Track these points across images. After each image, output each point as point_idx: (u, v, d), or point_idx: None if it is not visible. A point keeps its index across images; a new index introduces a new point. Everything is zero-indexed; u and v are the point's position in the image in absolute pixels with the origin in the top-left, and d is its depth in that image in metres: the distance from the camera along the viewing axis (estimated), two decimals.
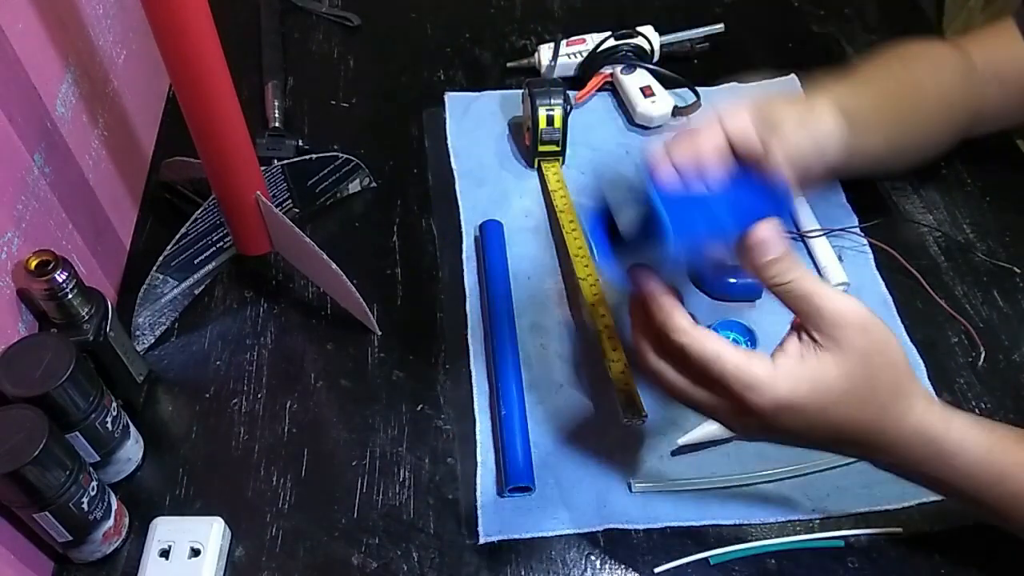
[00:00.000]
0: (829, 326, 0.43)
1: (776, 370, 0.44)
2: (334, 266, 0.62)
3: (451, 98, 0.84)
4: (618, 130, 0.82)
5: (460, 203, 0.75)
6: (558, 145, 0.75)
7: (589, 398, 0.63)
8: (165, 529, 0.54)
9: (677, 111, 0.82)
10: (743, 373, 0.43)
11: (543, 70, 0.85)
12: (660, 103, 0.81)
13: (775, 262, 0.44)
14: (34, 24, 0.57)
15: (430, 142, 0.80)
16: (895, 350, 0.45)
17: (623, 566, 0.56)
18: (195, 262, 0.65)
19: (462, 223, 0.74)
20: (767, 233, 0.43)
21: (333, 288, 0.66)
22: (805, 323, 0.44)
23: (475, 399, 0.63)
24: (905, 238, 0.74)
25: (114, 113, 0.69)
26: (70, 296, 0.53)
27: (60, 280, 0.51)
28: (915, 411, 0.45)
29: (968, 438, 0.46)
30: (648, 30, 0.85)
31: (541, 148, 0.76)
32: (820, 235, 0.72)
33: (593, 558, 0.56)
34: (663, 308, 0.45)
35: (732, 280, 0.68)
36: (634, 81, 0.82)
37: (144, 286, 0.62)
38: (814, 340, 0.44)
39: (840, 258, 0.71)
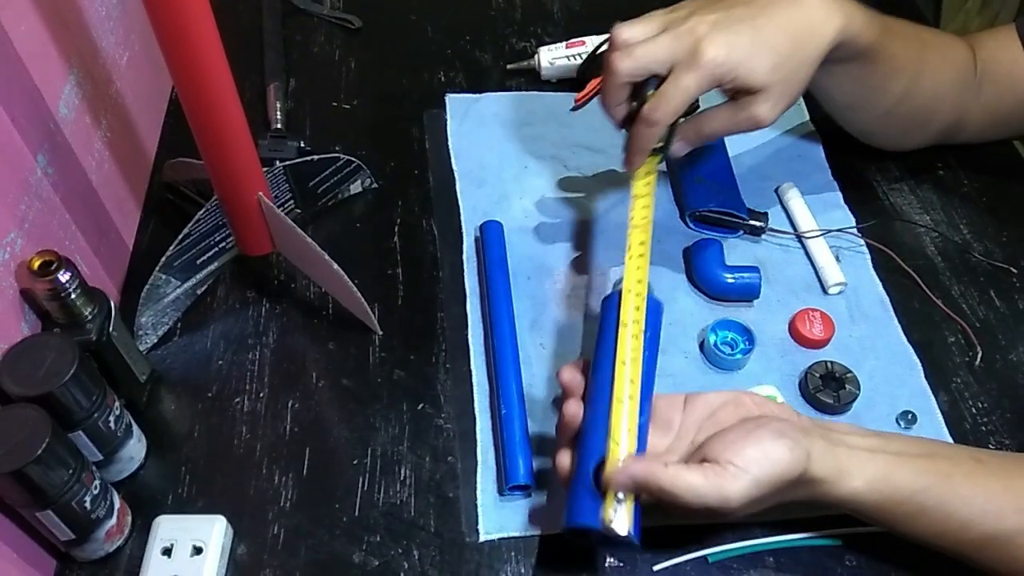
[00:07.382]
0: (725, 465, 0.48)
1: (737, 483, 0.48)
2: (335, 266, 0.62)
3: (452, 99, 0.84)
4: (618, 132, 0.82)
5: (460, 204, 0.75)
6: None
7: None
8: (167, 527, 0.54)
9: None
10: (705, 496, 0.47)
11: (542, 72, 0.85)
12: None
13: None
14: (37, 26, 0.57)
15: (431, 143, 0.81)
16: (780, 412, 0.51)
17: (622, 564, 0.56)
18: (197, 262, 0.65)
19: (462, 223, 0.74)
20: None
21: (334, 288, 0.67)
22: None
23: (475, 398, 0.63)
24: (902, 238, 0.74)
25: (117, 114, 0.69)
26: (73, 296, 0.53)
27: (63, 280, 0.52)
28: (852, 435, 0.52)
29: (893, 436, 0.53)
30: None
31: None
32: (818, 235, 0.73)
33: (592, 556, 0.56)
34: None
35: (731, 280, 0.68)
36: None
37: (147, 286, 0.62)
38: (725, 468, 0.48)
39: (838, 258, 0.71)
